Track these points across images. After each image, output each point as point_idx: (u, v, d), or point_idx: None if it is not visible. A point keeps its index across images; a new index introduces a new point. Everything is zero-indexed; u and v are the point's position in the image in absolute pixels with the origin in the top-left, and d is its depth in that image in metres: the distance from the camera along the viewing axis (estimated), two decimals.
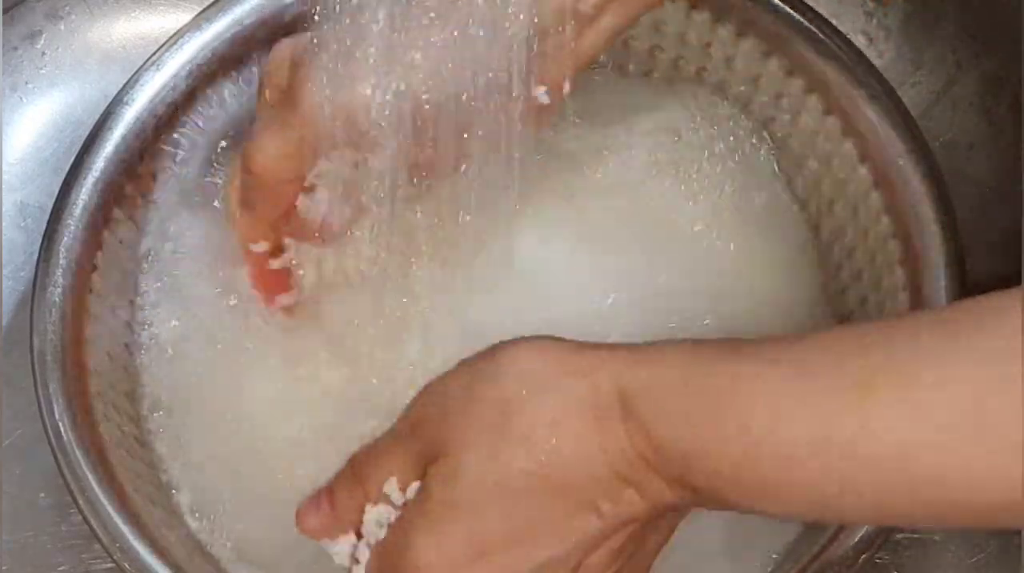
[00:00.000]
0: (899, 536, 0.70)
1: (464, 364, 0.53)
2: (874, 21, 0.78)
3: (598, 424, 0.50)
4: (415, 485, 0.53)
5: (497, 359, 0.52)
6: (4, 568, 0.70)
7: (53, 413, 0.63)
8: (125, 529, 0.62)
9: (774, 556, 0.64)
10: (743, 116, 0.72)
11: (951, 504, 0.46)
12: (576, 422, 0.50)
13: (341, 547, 0.56)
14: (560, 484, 0.50)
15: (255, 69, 0.69)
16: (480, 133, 0.58)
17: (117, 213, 0.68)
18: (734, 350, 0.49)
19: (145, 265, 0.70)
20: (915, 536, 0.71)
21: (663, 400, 0.49)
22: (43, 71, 0.77)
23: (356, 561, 0.56)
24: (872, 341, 0.47)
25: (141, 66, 0.68)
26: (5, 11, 0.75)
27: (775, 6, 0.68)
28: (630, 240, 0.70)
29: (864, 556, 0.61)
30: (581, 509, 0.51)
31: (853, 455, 0.46)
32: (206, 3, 0.69)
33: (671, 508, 0.52)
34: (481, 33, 0.56)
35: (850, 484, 0.46)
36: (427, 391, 0.54)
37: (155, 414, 0.68)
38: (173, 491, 0.67)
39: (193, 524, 0.66)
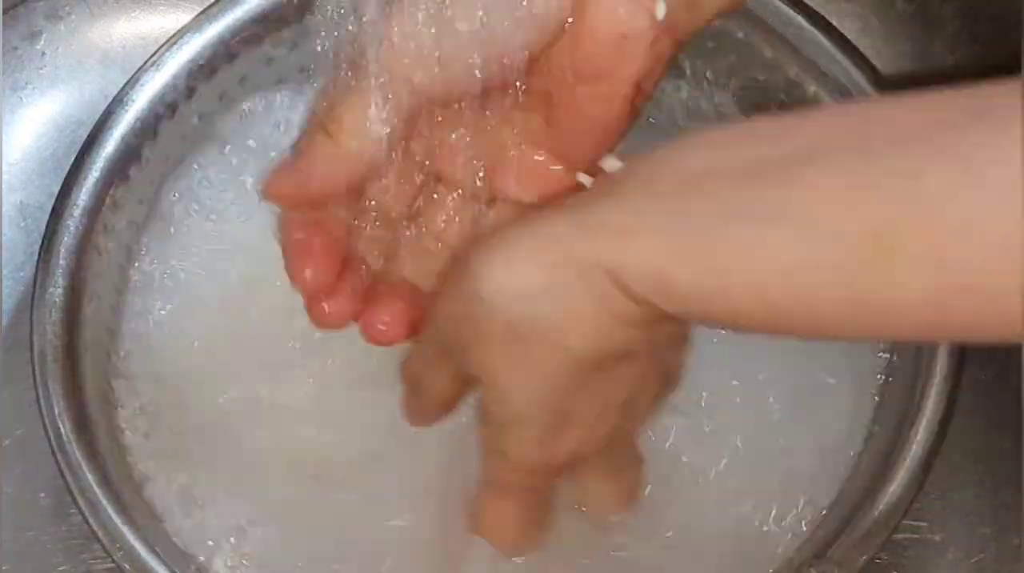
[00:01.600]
0: (899, 536, 0.70)
1: (448, 286, 0.55)
2: (874, 21, 0.78)
3: (596, 303, 0.50)
4: None
5: (478, 284, 0.52)
6: (4, 568, 0.70)
7: (53, 413, 0.63)
8: (125, 529, 0.62)
9: (775, 557, 0.65)
10: (741, 118, 0.72)
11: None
12: (578, 310, 0.51)
13: None
14: (591, 362, 0.52)
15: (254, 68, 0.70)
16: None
17: None
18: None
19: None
20: (915, 536, 0.71)
21: (650, 270, 0.49)
22: (43, 71, 0.77)
23: None
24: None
25: (141, 66, 0.67)
26: (5, 11, 0.75)
27: (774, 6, 0.68)
28: None
29: (864, 556, 0.61)
30: (611, 374, 0.53)
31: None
32: (206, 3, 0.69)
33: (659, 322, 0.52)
34: None
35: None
36: (437, 321, 0.56)
37: (151, 414, 0.68)
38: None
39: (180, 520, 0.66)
